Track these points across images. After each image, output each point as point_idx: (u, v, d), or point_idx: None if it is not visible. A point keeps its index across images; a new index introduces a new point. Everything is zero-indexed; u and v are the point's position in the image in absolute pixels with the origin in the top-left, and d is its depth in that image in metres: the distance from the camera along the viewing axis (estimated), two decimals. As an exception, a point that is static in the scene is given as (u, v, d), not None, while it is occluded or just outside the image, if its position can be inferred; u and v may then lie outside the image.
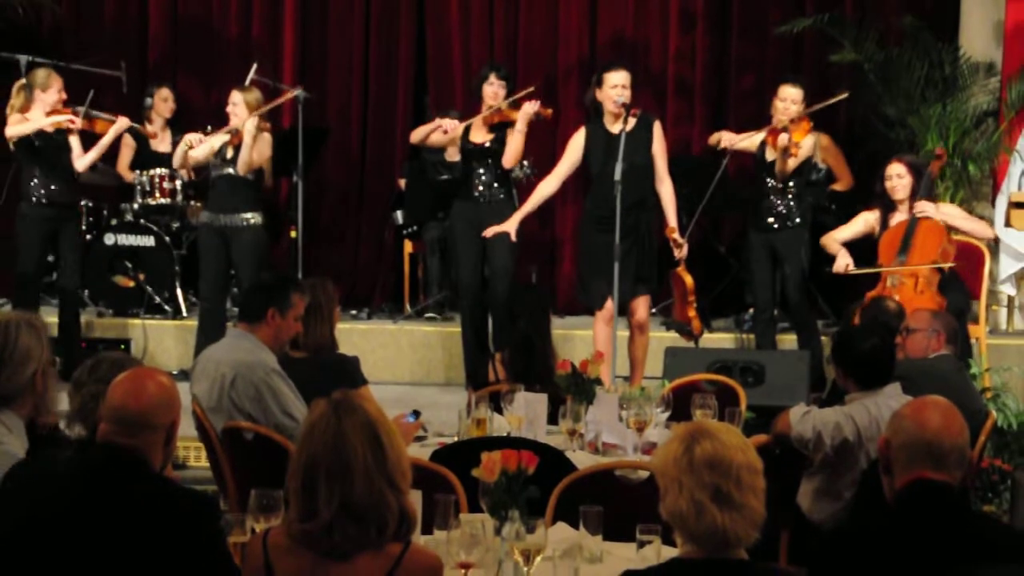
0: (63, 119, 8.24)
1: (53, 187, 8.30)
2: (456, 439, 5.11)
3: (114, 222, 9.29)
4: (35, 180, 8.28)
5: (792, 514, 5.04)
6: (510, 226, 7.75)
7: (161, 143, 9.39)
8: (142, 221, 9.23)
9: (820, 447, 4.93)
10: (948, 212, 7.72)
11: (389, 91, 10.27)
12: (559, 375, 5.46)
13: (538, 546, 3.41)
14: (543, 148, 9.20)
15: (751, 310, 8.74)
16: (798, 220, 8.01)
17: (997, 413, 6.06)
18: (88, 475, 3.24)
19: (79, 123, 8.28)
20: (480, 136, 8.06)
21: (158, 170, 9.22)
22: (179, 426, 3.38)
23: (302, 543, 2.95)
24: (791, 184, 7.98)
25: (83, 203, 9.14)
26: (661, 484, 2.93)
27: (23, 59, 9.23)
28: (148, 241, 9.17)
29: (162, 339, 8.99)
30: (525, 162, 8.60)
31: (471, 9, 10.13)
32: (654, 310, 8.22)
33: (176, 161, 8.38)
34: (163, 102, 9.59)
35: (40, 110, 8.26)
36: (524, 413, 5.21)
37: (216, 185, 8.22)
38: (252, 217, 8.15)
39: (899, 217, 7.59)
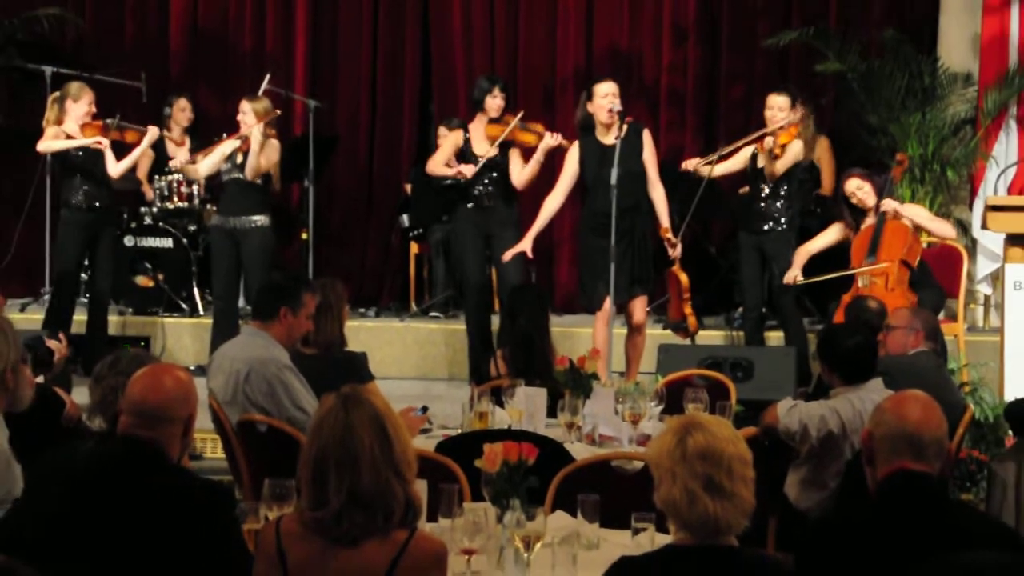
0: (91, 141, 8.30)
1: (93, 194, 8.39)
2: (459, 431, 5.13)
3: (134, 225, 9.39)
4: (75, 188, 8.37)
5: (780, 503, 5.11)
6: (525, 245, 7.79)
7: (180, 151, 9.33)
8: (161, 224, 9.35)
9: (806, 439, 4.99)
10: (913, 212, 7.83)
11: (396, 101, 10.35)
12: (558, 371, 5.51)
13: (538, 533, 3.45)
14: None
15: (740, 308, 8.79)
16: (786, 224, 8.08)
17: (974, 406, 6.06)
18: (109, 466, 3.30)
19: (106, 143, 8.34)
20: (482, 148, 8.20)
21: (176, 175, 9.32)
22: (196, 419, 3.42)
23: (313, 530, 2.99)
24: (782, 189, 8.05)
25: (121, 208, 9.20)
26: (655, 474, 2.97)
27: (48, 70, 9.42)
28: (167, 243, 9.28)
29: (180, 336, 9.07)
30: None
31: (473, 21, 10.23)
32: (649, 308, 8.17)
33: (183, 175, 8.61)
34: (181, 111, 9.73)
35: (73, 121, 8.36)
36: (524, 407, 5.25)
37: (227, 189, 8.36)
38: (260, 219, 8.25)
39: (869, 221, 7.72)
